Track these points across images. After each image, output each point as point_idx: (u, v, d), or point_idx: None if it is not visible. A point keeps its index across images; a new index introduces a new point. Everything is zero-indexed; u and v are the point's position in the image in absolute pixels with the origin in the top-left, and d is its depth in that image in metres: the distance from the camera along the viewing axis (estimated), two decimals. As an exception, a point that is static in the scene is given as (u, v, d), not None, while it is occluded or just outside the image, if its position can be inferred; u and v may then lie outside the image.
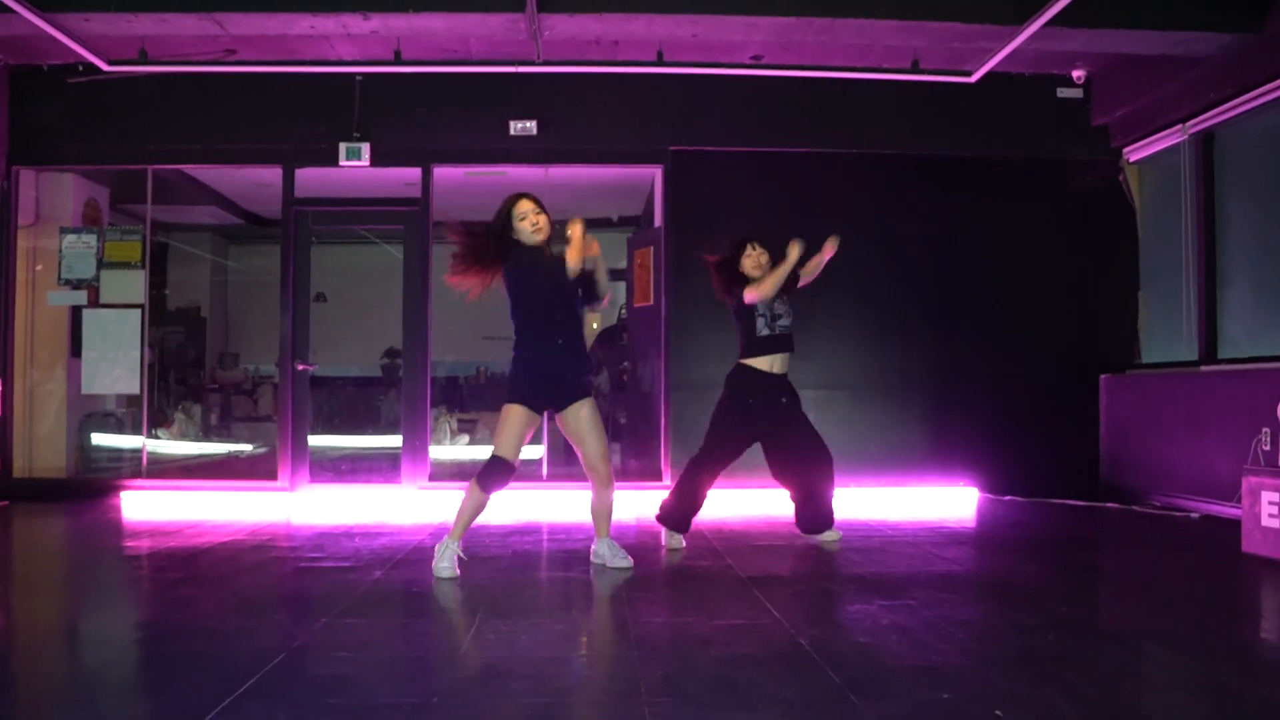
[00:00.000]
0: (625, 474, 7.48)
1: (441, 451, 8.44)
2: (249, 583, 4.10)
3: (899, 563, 4.49)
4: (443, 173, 7.34)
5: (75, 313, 7.33)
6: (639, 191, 9.07)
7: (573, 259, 4.03)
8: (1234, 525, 4.99)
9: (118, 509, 6.53)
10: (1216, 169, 6.62)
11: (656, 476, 7.12)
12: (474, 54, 6.77)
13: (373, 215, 7.91)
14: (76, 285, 7.26)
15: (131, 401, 7.77)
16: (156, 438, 8.59)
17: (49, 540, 5.75)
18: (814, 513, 4.98)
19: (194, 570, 4.37)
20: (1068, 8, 5.62)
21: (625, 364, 8.57)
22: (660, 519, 4.94)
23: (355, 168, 7.07)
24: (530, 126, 7.08)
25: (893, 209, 7.20)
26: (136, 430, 7.55)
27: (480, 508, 4.14)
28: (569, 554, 4.76)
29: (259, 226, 10.36)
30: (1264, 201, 6.25)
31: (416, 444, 7.14)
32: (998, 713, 2.38)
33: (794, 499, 5.03)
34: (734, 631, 3.21)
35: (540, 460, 7.25)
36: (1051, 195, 7.38)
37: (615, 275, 8.96)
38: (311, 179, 7.26)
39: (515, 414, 4.12)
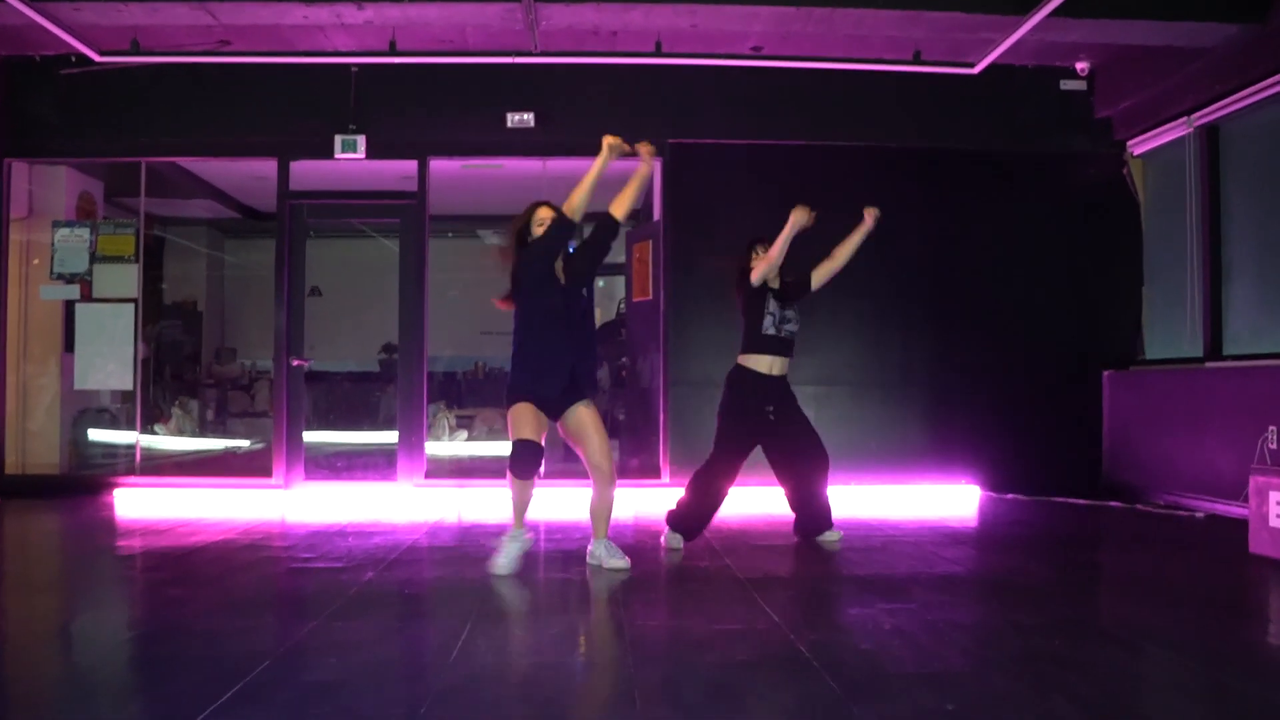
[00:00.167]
0: (624, 471, 7.41)
1: (440, 448, 8.38)
2: (240, 583, 4.04)
3: (900, 563, 4.43)
4: (439, 165, 7.27)
5: (68, 307, 7.26)
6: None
7: (646, 154, 4.18)
8: (1239, 525, 4.93)
9: (111, 506, 6.47)
10: (1221, 163, 6.55)
11: (655, 473, 7.06)
12: (470, 44, 6.70)
13: (369, 208, 7.82)
14: (69, 279, 7.18)
15: (126, 397, 7.70)
16: (154, 433, 8.53)
17: (40, 538, 5.69)
18: (811, 516, 4.93)
19: (185, 570, 4.31)
20: (1072, -3, 5.56)
21: (624, 360, 8.49)
22: (671, 524, 4.85)
23: (351, 160, 6.99)
24: (528, 119, 7.01)
25: (894, 202, 7.02)
26: (131, 426, 7.49)
27: (526, 493, 4.11)
28: (566, 554, 4.71)
29: (255, 220, 10.27)
30: (1269, 196, 6.17)
31: (412, 440, 7.08)
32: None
33: (791, 503, 4.97)
34: (732, 636, 3.14)
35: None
36: (1054, 189, 7.31)
37: (613, 270, 8.94)
38: (306, 172, 7.19)
39: (523, 408, 4.11)
